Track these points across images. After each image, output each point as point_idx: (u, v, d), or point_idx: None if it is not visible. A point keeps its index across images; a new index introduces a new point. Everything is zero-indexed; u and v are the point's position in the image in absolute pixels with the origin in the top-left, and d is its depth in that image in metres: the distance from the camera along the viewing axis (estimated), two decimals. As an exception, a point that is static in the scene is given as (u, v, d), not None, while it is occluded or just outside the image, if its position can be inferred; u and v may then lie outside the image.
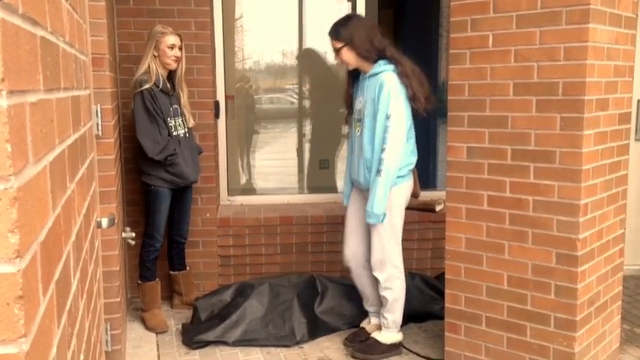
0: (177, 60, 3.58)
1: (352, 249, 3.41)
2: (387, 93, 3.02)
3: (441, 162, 5.26)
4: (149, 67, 3.51)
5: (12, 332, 0.71)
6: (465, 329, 3.07)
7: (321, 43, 4.78)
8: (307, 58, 4.90)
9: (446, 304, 3.14)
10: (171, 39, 3.54)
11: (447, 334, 3.15)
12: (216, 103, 4.27)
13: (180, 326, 3.71)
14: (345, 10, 4.71)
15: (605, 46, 2.68)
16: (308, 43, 4.81)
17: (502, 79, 2.82)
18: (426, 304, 3.85)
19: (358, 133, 3.21)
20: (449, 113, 3.02)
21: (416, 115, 3.18)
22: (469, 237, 3.00)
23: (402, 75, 3.05)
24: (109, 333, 2.83)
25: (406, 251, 4.32)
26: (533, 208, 2.78)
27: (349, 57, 3.13)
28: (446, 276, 3.12)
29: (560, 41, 2.63)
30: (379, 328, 3.44)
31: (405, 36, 6.28)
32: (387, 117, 3.01)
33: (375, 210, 3.08)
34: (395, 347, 3.37)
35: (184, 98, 3.70)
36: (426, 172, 5.12)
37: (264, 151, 4.95)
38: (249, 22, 4.72)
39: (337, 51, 3.15)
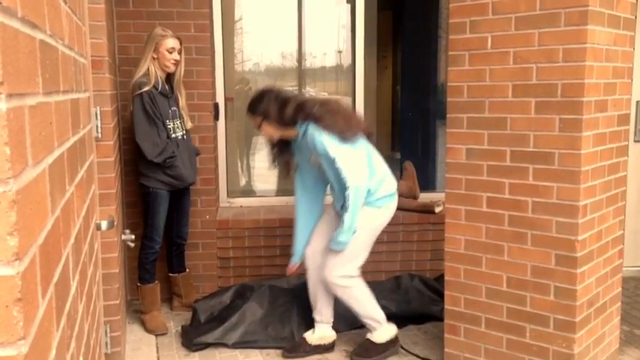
0: (176, 63, 3.59)
1: (313, 248, 3.39)
2: (320, 142, 3.04)
3: (440, 163, 5.26)
4: (148, 69, 3.51)
5: (11, 335, 0.72)
6: (465, 331, 3.07)
7: (321, 46, 4.79)
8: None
9: (445, 306, 3.14)
10: (171, 42, 3.54)
11: (446, 335, 3.15)
12: (216, 105, 4.28)
13: (180, 328, 3.71)
14: (344, 11, 4.72)
15: (604, 48, 2.69)
16: (307, 45, 4.82)
17: (501, 81, 2.82)
18: (425, 305, 3.85)
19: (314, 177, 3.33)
20: (448, 115, 3.02)
21: (368, 137, 3.24)
22: (468, 238, 3.00)
23: (323, 128, 3.06)
24: (108, 335, 2.83)
25: (406, 253, 4.34)
26: (532, 210, 2.78)
27: (270, 129, 3.24)
28: (445, 277, 3.12)
29: (559, 43, 2.63)
30: (322, 339, 3.42)
31: (404, 37, 6.28)
32: (333, 161, 3.03)
33: (340, 238, 3.11)
34: (392, 344, 3.35)
35: (182, 101, 3.71)
36: (425, 174, 5.12)
37: (264, 153, 4.93)
38: (249, 24, 4.73)
39: (259, 127, 3.27)
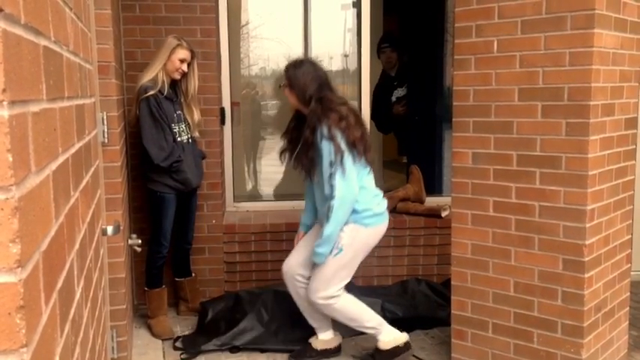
0: (182, 74, 3.61)
1: (289, 263, 3.36)
2: (327, 142, 2.98)
3: (446, 167, 5.24)
4: (157, 75, 3.53)
5: (13, 342, 0.71)
6: (472, 336, 3.05)
7: (327, 50, 4.80)
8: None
9: (452, 311, 3.12)
10: (185, 53, 3.58)
11: (453, 340, 3.14)
12: (222, 110, 4.29)
13: (180, 341, 3.58)
14: (350, 15, 4.72)
15: (611, 51, 2.67)
16: (314, 49, 4.82)
17: (507, 85, 2.81)
18: (432, 310, 3.84)
19: (316, 180, 3.17)
20: (454, 119, 3.02)
21: (369, 163, 3.15)
22: (475, 243, 2.99)
23: (335, 122, 3.01)
24: (114, 340, 2.83)
25: (412, 257, 4.33)
26: (539, 214, 2.77)
27: (290, 97, 3.22)
28: (452, 282, 3.11)
29: (566, 46, 2.62)
30: (331, 342, 3.38)
31: (410, 41, 6.28)
32: (331, 163, 2.97)
33: (319, 250, 3.05)
34: (402, 349, 3.25)
35: (196, 115, 3.72)
36: (431, 178, 5.11)
37: (270, 157, 4.95)
38: (255, 28, 4.74)
39: (283, 88, 3.24)
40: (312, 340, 3.43)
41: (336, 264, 3.11)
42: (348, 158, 2.99)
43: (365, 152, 3.09)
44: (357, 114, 3.17)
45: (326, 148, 2.99)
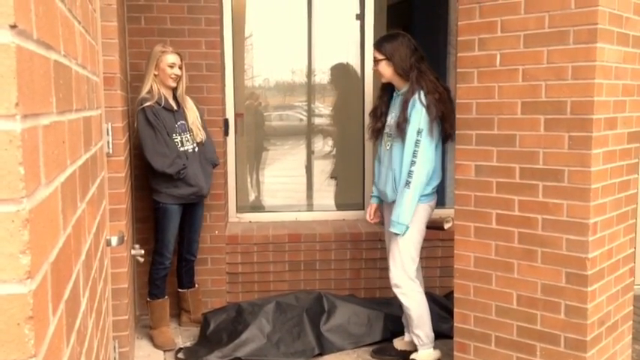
0: (177, 78, 3.62)
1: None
2: (420, 108, 3.15)
3: (449, 180, 5.24)
4: (151, 87, 3.55)
5: (22, 352, 0.72)
6: (475, 349, 3.05)
7: (330, 61, 4.82)
8: (338, 73, 4.92)
9: (455, 323, 3.12)
10: (171, 58, 3.58)
11: (456, 353, 3.13)
12: (226, 121, 4.30)
13: (182, 352, 3.58)
14: (353, 28, 4.74)
15: (613, 65, 2.69)
16: (317, 61, 4.85)
17: (510, 98, 2.82)
18: (434, 323, 3.82)
19: (388, 147, 3.33)
20: (457, 131, 3.03)
21: (444, 139, 3.34)
22: (478, 255, 2.99)
23: (431, 92, 3.19)
24: (117, 350, 2.83)
25: (415, 269, 4.32)
26: (542, 227, 2.77)
27: (386, 71, 3.33)
28: (455, 295, 3.11)
29: (568, 60, 2.63)
30: (411, 345, 3.45)
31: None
32: (419, 132, 3.14)
33: (401, 220, 3.17)
34: None
35: (191, 115, 3.72)
36: (434, 190, 5.10)
37: (273, 168, 4.96)
38: (259, 40, 4.76)
39: (376, 62, 3.36)
40: (396, 340, 3.54)
41: (405, 241, 3.25)
42: (436, 129, 3.17)
43: (450, 128, 3.23)
44: (448, 89, 3.33)
45: (417, 114, 3.14)
